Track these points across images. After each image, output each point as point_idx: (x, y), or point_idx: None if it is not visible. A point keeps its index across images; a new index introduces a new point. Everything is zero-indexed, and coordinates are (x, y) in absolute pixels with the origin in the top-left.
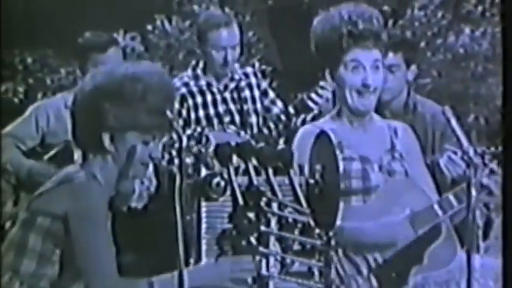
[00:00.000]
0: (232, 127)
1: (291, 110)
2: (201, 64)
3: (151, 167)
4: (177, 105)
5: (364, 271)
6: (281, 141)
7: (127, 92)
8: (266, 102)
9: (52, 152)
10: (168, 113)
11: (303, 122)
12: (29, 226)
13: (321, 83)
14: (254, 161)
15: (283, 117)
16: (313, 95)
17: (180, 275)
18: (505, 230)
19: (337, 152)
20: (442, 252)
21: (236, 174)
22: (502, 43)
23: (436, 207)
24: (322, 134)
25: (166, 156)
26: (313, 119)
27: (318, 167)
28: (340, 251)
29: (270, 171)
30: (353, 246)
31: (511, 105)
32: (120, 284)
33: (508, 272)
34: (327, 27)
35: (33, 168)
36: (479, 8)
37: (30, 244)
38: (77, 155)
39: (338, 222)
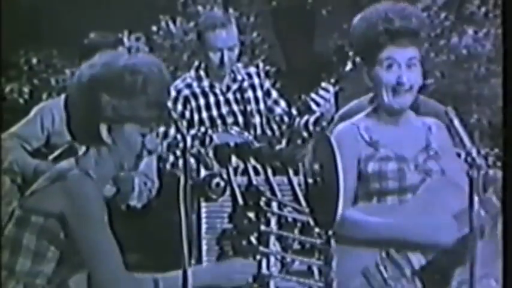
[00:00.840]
0: (236, 128)
1: (294, 111)
2: (203, 65)
3: (154, 168)
4: (180, 107)
5: (408, 273)
6: (283, 141)
7: (127, 83)
8: (269, 102)
9: (57, 152)
10: (167, 105)
11: (306, 124)
12: (23, 225)
13: (323, 84)
14: (253, 161)
15: (286, 118)
16: (315, 97)
17: (184, 274)
18: (505, 230)
19: (375, 150)
20: (485, 252)
21: (235, 174)
22: (503, 43)
23: (478, 206)
24: (320, 133)
25: (171, 158)
26: (316, 121)
27: (317, 166)
28: (383, 253)
29: (269, 171)
30: (393, 244)
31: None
32: (126, 279)
33: (508, 271)
34: (364, 25)
35: (38, 167)
36: (483, 9)
37: (25, 242)
38: None
39: (370, 218)
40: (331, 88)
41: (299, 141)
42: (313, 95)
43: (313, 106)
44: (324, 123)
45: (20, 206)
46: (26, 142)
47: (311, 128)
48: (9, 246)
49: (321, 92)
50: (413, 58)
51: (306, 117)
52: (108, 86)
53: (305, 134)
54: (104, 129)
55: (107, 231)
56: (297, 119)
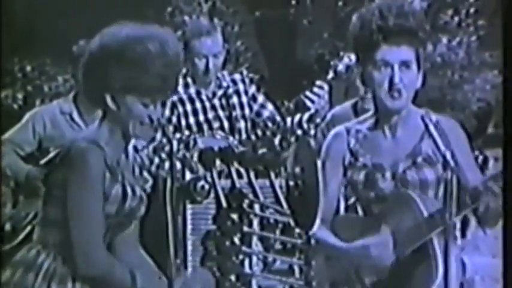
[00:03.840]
0: (221, 133)
1: (286, 109)
2: (190, 72)
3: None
4: (167, 112)
5: None
6: (276, 140)
7: (127, 53)
8: (256, 107)
9: (49, 157)
10: (170, 78)
11: (299, 121)
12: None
13: (318, 82)
14: (236, 165)
15: (277, 117)
16: (310, 94)
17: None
18: (505, 230)
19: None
20: (423, 274)
21: (219, 177)
22: (503, 45)
23: (423, 226)
24: (301, 138)
25: (156, 160)
26: (310, 118)
27: (298, 169)
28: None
29: (252, 174)
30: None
31: (511, 109)
32: (104, 258)
33: (508, 272)
34: (358, 23)
35: (30, 173)
36: (456, 19)
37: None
38: None
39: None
40: (325, 86)
41: (293, 139)
42: (307, 93)
43: (308, 103)
44: (318, 120)
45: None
46: (19, 147)
47: (305, 125)
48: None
49: (316, 89)
50: (407, 59)
51: (299, 115)
52: (111, 55)
53: (299, 132)
54: (108, 98)
55: (98, 203)
56: (289, 118)
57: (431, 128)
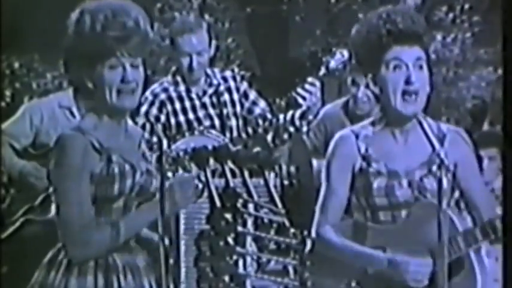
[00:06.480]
0: (213, 131)
1: (278, 106)
2: (180, 70)
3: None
4: (155, 111)
5: None
6: (269, 137)
7: (80, 27)
8: (247, 104)
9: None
10: (128, 38)
11: (292, 118)
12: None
13: (309, 79)
14: (230, 164)
15: (268, 115)
16: (301, 91)
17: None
18: (505, 230)
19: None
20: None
21: (213, 176)
22: (502, 45)
23: (459, 239)
24: (296, 136)
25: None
26: (302, 115)
27: (293, 168)
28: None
29: (246, 173)
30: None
31: (511, 107)
32: (87, 232)
33: (508, 273)
34: (365, 29)
35: (24, 168)
36: (450, 15)
37: None
38: None
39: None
40: (317, 82)
41: (285, 136)
42: (299, 89)
43: (300, 100)
44: (310, 117)
45: None
46: (15, 140)
47: (297, 122)
48: None
49: (307, 86)
50: (420, 59)
51: (291, 112)
52: (75, 31)
53: (291, 129)
54: (86, 77)
55: (80, 183)
56: (281, 115)
57: (425, 125)
